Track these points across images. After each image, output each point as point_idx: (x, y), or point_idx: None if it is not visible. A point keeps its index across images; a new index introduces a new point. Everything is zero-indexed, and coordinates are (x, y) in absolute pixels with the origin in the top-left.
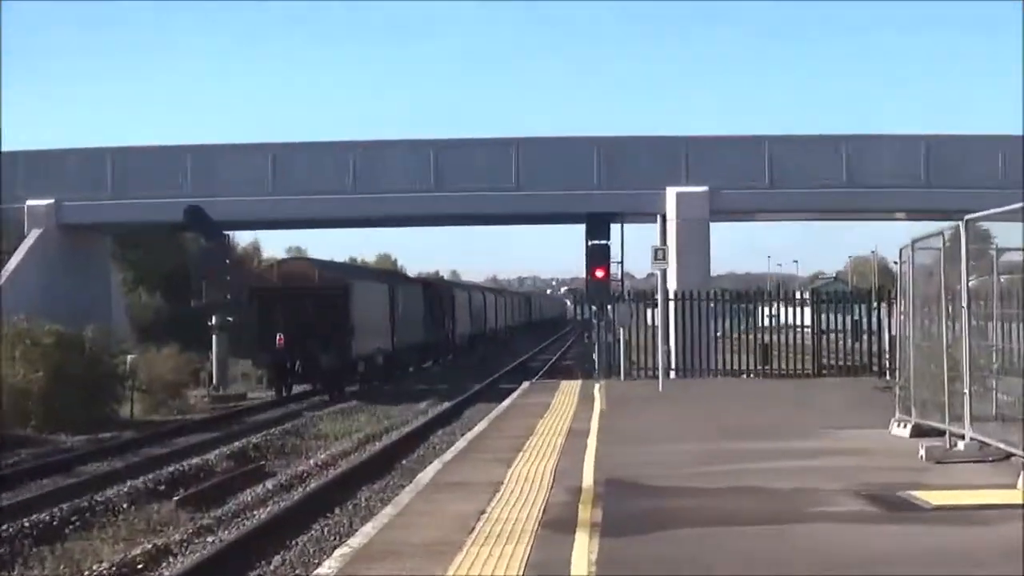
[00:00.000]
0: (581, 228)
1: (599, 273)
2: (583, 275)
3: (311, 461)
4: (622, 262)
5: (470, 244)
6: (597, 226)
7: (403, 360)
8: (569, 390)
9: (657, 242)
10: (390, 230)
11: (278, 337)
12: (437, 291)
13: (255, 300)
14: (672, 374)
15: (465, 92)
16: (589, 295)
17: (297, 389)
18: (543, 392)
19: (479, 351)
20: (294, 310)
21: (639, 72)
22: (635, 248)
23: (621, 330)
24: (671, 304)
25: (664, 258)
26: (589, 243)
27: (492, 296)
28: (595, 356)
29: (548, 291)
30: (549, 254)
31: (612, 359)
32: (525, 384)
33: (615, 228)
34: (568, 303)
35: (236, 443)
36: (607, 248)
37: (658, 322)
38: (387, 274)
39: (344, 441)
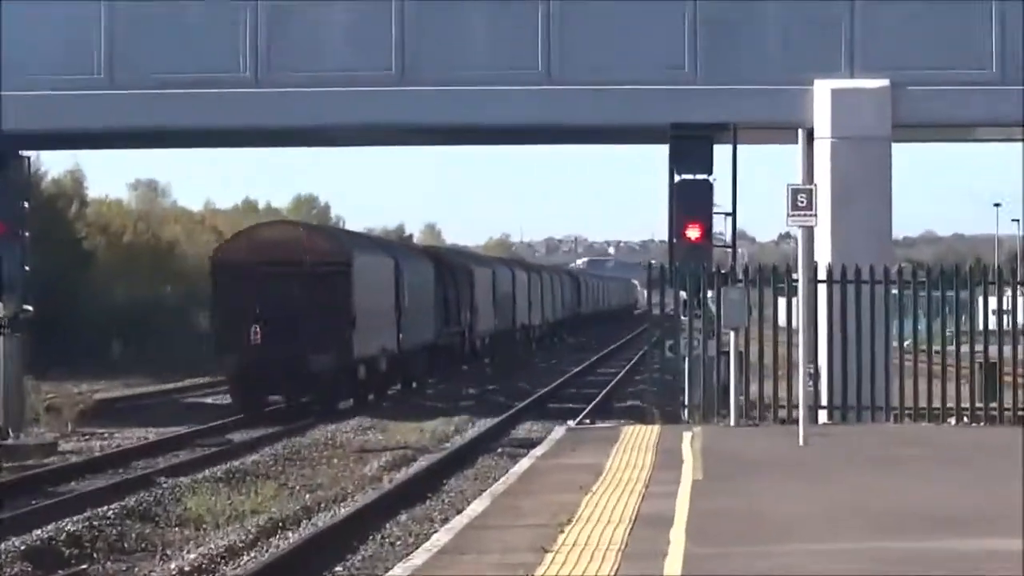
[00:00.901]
0: (662, 152)
1: (692, 232)
2: (663, 237)
3: (171, 566)
4: (734, 213)
5: (461, 178)
6: (689, 148)
7: (410, 367)
8: (637, 442)
9: (798, 178)
10: (317, 152)
11: (252, 331)
12: (450, 268)
13: (219, 279)
14: (822, 416)
15: None
16: (675, 272)
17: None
18: (591, 445)
19: (503, 359)
20: (275, 294)
21: None
22: (756, 188)
23: (731, 335)
24: (822, 290)
25: (810, 206)
26: (676, 179)
27: (524, 275)
28: (684, 381)
29: (596, 261)
30: (604, 199)
31: (714, 387)
32: (559, 430)
33: (721, 153)
34: (638, 286)
35: (37, 532)
36: (707, 188)
37: (797, 322)
38: (387, 243)
39: (230, 529)
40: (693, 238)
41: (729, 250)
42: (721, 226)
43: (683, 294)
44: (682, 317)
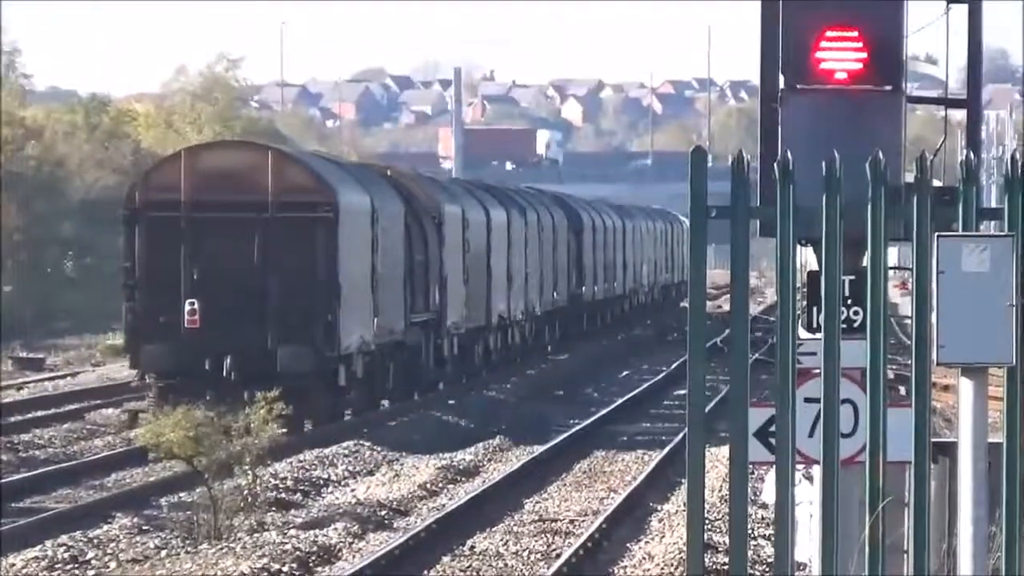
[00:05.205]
0: None
1: (834, 57)
2: (736, 75)
3: None
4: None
5: None
6: None
7: (381, 376)
8: None
9: None
10: None
11: (187, 307)
12: (419, 210)
13: (141, 231)
14: None
15: None
16: (786, 184)
17: None
18: None
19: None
20: (224, 254)
21: None
22: None
23: (969, 392)
24: None
25: None
26: None
27: (501, 216)
28: (796, 533)
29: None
30: None
31: (910, 551)
32: None
33: None
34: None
35: None
36: None
37: None
38: (352, 167)
39: None
40: (839, 76)
41: (959, 113)
42: (928, 43)
43: (806, 254)
44: (800, 332)
